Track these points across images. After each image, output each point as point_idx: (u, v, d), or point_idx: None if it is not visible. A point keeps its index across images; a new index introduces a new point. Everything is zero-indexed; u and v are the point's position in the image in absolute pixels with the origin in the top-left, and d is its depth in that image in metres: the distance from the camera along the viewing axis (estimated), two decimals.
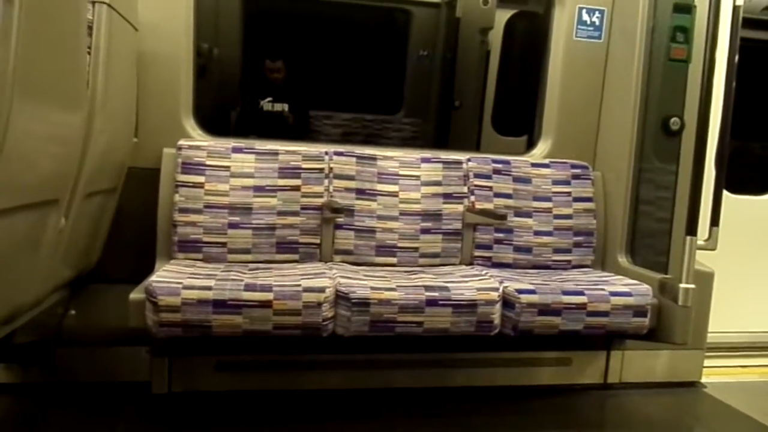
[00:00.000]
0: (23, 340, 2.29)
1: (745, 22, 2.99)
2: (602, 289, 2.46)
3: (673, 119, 2.76)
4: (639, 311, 2.45)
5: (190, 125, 2.73)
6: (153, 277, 2.17)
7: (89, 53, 1.99)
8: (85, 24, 1.93)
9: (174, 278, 2.17)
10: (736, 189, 3.57)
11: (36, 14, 1.47)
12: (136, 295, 2.14)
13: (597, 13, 2.98)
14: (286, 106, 4.80)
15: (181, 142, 2.63)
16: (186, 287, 2.11)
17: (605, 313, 2.41)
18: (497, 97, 5.18)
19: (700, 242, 2.55)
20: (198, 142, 2.67)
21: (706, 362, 3.09)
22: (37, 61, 1.52)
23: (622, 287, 2.50)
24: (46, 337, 2.44)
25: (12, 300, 1.83)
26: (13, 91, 1.40)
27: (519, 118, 4.47)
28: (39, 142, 1.66)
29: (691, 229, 2.44)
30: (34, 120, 1.56)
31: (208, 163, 2.61)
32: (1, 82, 1.37)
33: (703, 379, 3.07)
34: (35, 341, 2.39)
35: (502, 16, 5.07)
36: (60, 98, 1.78)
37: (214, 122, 4.44)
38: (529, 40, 4.91)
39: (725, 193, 3.07)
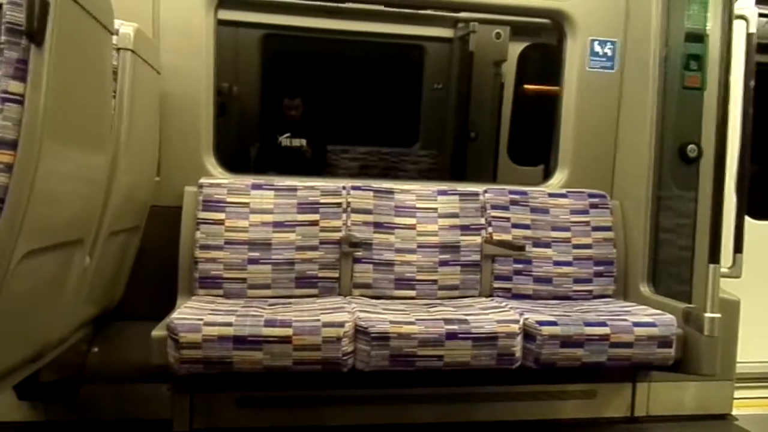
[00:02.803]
0: (48, 379, 2.32)
1: (760, 47, 3.01)
2: (625, 320, 2.42)
3: (691, 146, 2.75)
4: (664, 342, 2.40)
5: (211, 163, 2.79)
6: (174, 314, 2.20)
7: (114, 97, 2.06)
8: (111, 70, 2.01)
9: (195, 315, 2.19)
10: (759, 214, 3.52)
11: (65, 61, 1.54)
12: (158, 332, 2.16)
13: (609, 44, 3.01)
14: (304, 141, 4.89)
15: (202, 180, 2.69)
16: (207, 324, 2.13)
17: (629, 344, 2.37)
18: (512, 128, 5.22)
19: (723, 270, 2.51)
20: (218, 180, 2.72)
21: (737, 393, 3.00)
22: (65, 105, 1.59)
23: (646, 317, 2.46)
24: (71, 374, 2.47)
25: (38, 339, 1.87)
26: (43, 134, 1.46)
27: (535, 148, 4.49)
28: (66, 182, 1.72)
29: (714, 257, 2.41)
30: (61, 161, 1.62)
31: (228, 200, 2.66)
32: (31, 126, 1.43)
33: (734, 411, 2.98)
34: (60, 379, 2.41)
35: (516, 48, 5.15)
36: (86, 140, 1.84)
37: (234, 158, 4.55)
38: (542, 71, 4.97)
39: (747, 219, 3.03)
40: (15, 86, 1.42)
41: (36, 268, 1.62)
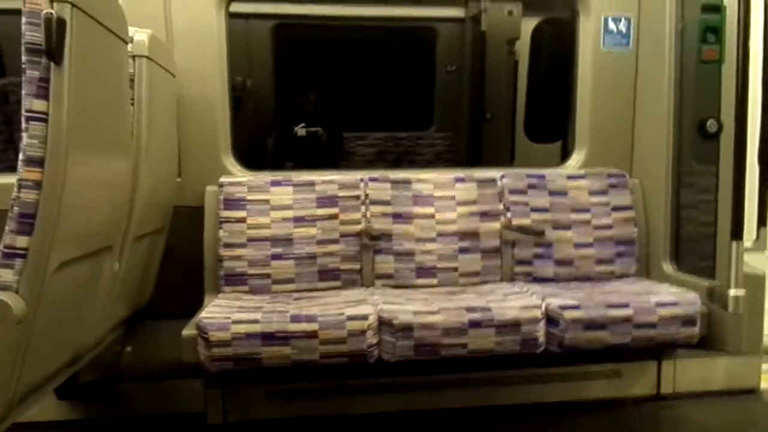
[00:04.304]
0: (86, 379, 2.40)
1: None
2: (648, 300, 2.42)
3: (710, 121, 2.71)
4: (688, 321, 2.40)
5: (230, 162, 2.83)
6: (203, 313, 2.26)
7: (132, 104, 2.10)
8: (127, 78, 2.05)
9: (223, 313, 2.25)
10: None
11: (84, 75, 1.58)
12: (188, 331, 2.22)
13: (623, 21, 2.96)
14: (319, 129, 4.91)
15: (223, 179, 2.73)
16: (235, 321, 2.19)
17: (653, 325, 2.37)
18: (529, 106, 5.15)
19: (747, 244, 2.48)
20: (238, 178, 2.76)
21: (765, 367, 2.99)
22: (87, 117, 1.63)
23: (669, 296, 2.46)
24: (107, 374, 2.56)
25: (75, 344, 1.94)
26: (68, 149, 1.50)
27: (552, 125, 4.44)
28: (93, 192, 1.77)
29: (737, 233, 2.38)
30: (87, 172, 1.67)
31: (248, 198, 2.70)
32: (56, 142, 1.47)
33: (763, 386, 2.97)
34: (97, 379, 2.50)
35: (529, 25, 5.07)
36: (108, 149, 1.89)
37: (251, 150, 4.59)
38: (557, 46, 4.89)
39: None
40: (39, 105, 1.46)
41: (69, 277, 1.68)
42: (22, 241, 1.45)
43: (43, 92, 1.46)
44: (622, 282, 2.79)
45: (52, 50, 1.44)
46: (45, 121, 1.46)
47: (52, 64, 1.45)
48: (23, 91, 1.46)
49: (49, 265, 1.53)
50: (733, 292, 2.35)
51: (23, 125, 1.46)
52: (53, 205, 1.49)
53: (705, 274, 2.59)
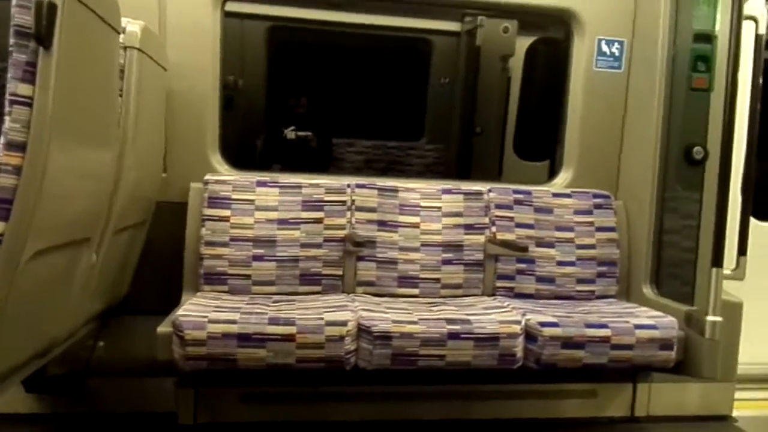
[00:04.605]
0: (56, 372, 2.35)
1: None
2: (626, 322, 2.43)
3: (696, 148, 2.75)
4: (665, 344, 2.41)
5: (217, 160, 2.81)
6: (179, 311, 2.22)
7: (121, 95, 2.08)
8: (117, 68, 2.02)
9: (200, 312, 2.22)
10: (764, 215, 3.51)
11: (72, 62, 1.55)
12: (163, 328, 2.19)
13: (616, 44, 2.99)
14: (309, 134, 4.89)
15: (208, 176, 2.70)
16: (211, 321, 2.16)
17: (630, 347, 2.38)
18: (519, 123, 5.19)
19: (727, 272, 2.51)
20: (224, 176, 2.74)
21: (737, 395, 3.01)
22: (72, 105, 1.61)
23: (647, 320, 2.47)
24: (78, 368, 2.50)
25: (46, 335, 1.90)
26: (51, 135, 1.47)
27: (541, 144, 4.48)
28: (74, 181, 1.74)
29: (717, 260, 2.40)
30: (69, 161, 1.64)
31: (233, 197, 2.67)
32: (40, 127, 1.44)
33: (735, 413, 2.99)
34: (67, 373, 2.45)
35: (523, 43, 5.11)
36: (93, 139, 1.85)
37: (240, 150, 4.56)
38: (550, 66, 4.94)
39: (753, 220, 3.03)
40: (24, 89, 1.43)
41: (44, 266, 1.64)
42: None
43: (29, 76, 1.43)
44: (602, 302, 2.80)
45: (41, 34, 1.41)
46: (29, 105, 1.43)
47: (40, 48, 1.43)
48: (8, 75, 1.43)
49: (24, 252, 1.49)
50: (710, 318, 2.36)
51: (6, 108, 1.43)
52: (32, 191, 1.45)
53: (684, 300, 2.62)
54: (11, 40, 1.42)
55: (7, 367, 1.67)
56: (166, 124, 2.69)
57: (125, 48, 2.09)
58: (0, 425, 2.48)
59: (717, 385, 2.91)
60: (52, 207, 1.57)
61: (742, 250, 2.84)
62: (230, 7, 2.88)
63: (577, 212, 2.93)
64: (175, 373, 2.41)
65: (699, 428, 2.89)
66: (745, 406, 3.09)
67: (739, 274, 2.82)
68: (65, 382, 2.48)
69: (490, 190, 2.91)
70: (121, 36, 2.03)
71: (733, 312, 2.77)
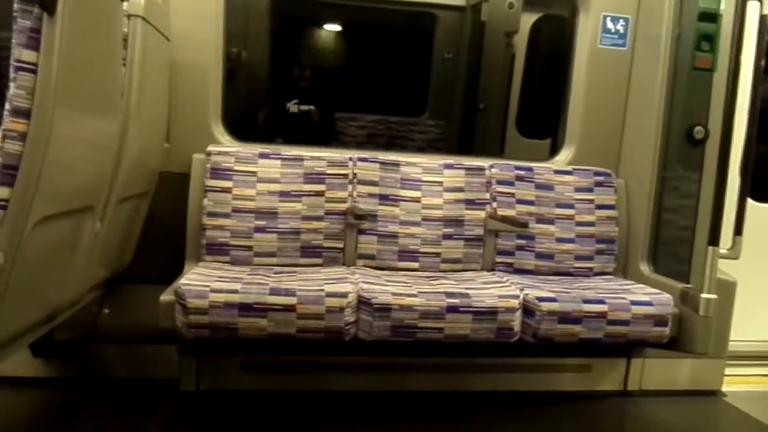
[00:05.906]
0: (62, 338, 2.40)
1: None
2: (623, 298, 2.47)
3: (698, 128, 2.75)
4: (660, 321, 2.45)
5: (219, 131, 2.81)
6: (182, 280, 2.25)
7: (124, 64, 2.08)
8: (121, 37, 2.02)
9: (202, 281, 2.25)
10: (762, 197, 3.52)
11: (77, 29, 1.56)
12: (166, 297, 2.22)
13: (621, 21, 2.98)
14: (312, 108, 4.88)
15: (210, 147, 2.71)
16: (214, 290, 2.19)
17: (626, 322, 2.42)
18: (522, 100, 5.17)
19: (722, 251, 2.53)
20: (226, 147, 2.75)
21: (727, 371, 3.07)
22: (76, 73, 1.61)
23: (643, 296, 2.51)
24: (82, 334, 2.55)
25: (52, 300, 1.93)
26: (56, 102, 1.48)
27: (543, 121, 4.47)
28: (78, 149, 1.75)
29: (714, 239, 2.43)
30: (73, 128, 1.65)
31: (236, 168, 2.69)
32: (44, 94, 1.46)
33: (724, 388, 3.05)
34: (72, 338, 2.49)
35: (528, 20, 5.07)
36: (97, 107, 1.86)
37: (242, 123, 4.56)
38: (554, 43, 4.90)
39: (750, 201, 3.04)
40: (28, 55, 1.44)
41: (49, 233, 1.67)
42: (3, 192, 1.44)
43: (33, 43, 1.44)
44: (600, 279, 2.84)
45: (45, 0, 1.42)
46: (34, 72, 1.44)
47: (44, 14, 1.43)
48: (13, 41, 1.44)
49: (30, 218, 1.52)
50: (705, 295, 2.40)
51: (11, 75, 1.44)
52: (37, 157, 1.47)
53: (679, 278, 2.65)
54: (15, 6, 1.43)
55: (13, 331, 1.71)
56: (170, 95, 2.69)
57: (129, 16, 2.08)
58: (9, 388, 2.53)
59: (708, 361, 2.97)
60: (57, 174, 1.59)
61: (738, 230, 2.85)
62: None
63: (578, 189, 2.94)
64: (177, 340, 2.46)
65: (690, 402, 2.95)
66: (734, 381, 3.15)
67: (734, 253, 2.83)
68: (71, 347, 2.52)
69: (491, 166, 2.92)
70: (125, 4, 2.03)
71: (727, 290, 2.81)
